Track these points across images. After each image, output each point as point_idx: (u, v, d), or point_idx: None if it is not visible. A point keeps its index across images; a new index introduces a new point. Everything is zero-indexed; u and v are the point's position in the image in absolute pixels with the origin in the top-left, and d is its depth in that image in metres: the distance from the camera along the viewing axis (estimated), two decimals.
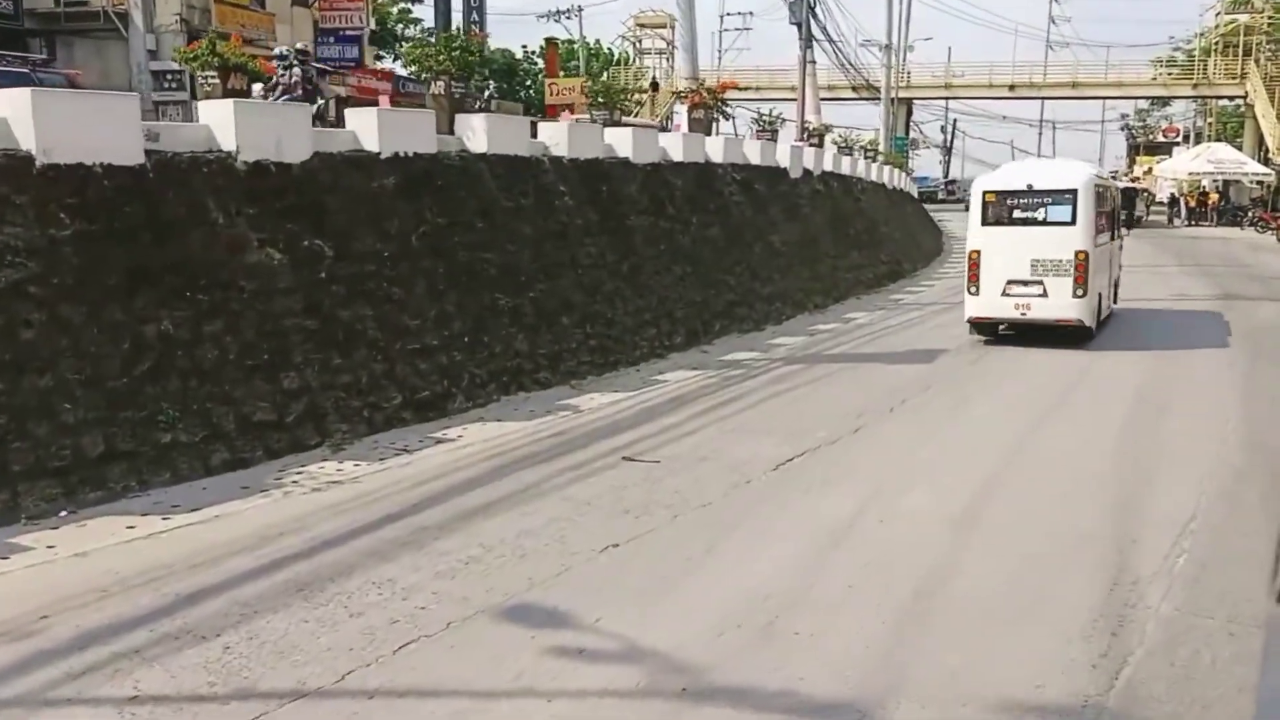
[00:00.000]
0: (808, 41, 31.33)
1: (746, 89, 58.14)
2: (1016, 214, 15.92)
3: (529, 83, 62.33)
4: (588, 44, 71.01)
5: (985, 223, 16.23)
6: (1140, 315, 19.55)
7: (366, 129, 12.57)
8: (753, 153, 22.94)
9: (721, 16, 73.65)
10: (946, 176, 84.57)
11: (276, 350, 10.31)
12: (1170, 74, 61.78)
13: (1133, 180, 57.66)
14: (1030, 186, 15.90)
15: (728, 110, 23.57)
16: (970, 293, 16.32)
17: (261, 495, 8.58)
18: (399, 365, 11.55)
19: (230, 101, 10.93)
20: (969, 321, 16.62)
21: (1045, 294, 15.53)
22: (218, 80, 11.34)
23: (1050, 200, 15.71)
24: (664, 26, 66.49)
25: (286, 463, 9.60)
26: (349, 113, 12.97)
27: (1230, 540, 7.34)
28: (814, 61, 35.09)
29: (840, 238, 26.47)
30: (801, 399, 12.75)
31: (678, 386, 13.61)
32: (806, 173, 26.04)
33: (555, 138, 16.13)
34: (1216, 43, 58.48)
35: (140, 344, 9.24)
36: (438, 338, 12.19)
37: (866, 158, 34.58)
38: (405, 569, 6.77)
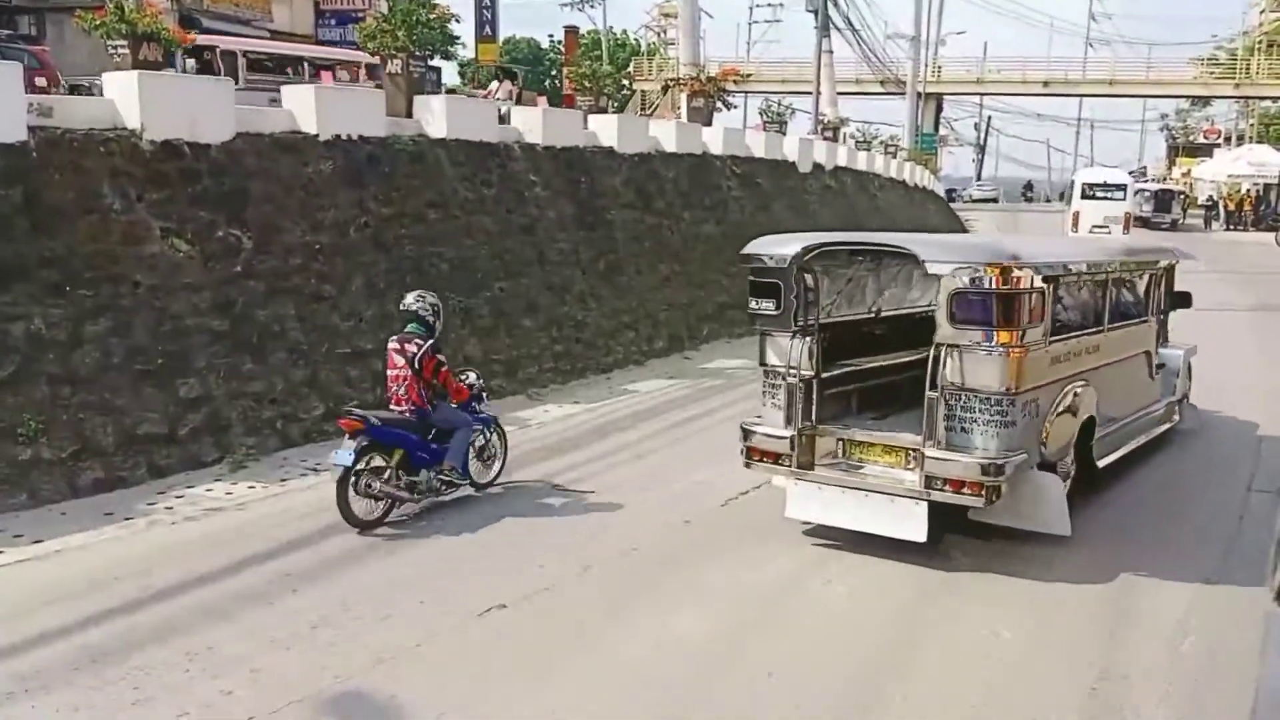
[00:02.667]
0: (823, 29, 29.88)
1: (772, 82, 56.75)
2: (1098, 193, 36.00)
3: (555, 72, 61.18)
4: (614, 33, 69.99)
5: (1083, 197, 36.13)
6: None
7: (303, 108, 11.40)
8: (756, 145, 21.61)
9: (751, 8, 72.25)
10: (979, 176, 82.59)
11: (174, 354, 9.16)
12: (1211, 73, 59.63)
13: (1163, 182, 55.64)
14: (1105, 181, 36.19)
15: (729, 99, 22.23)
16: (1073, 230, 34.54)
17: (123, 525, 7.43)
18: (325, 371, 10.38)
19: (135, 73, 9.77)
20: None
21: (1109, 231, 32.83)
22: (127, 51, 10.22)
23: (1114, 188, 36.31)
24: None
25: (173, 482, 8.47)
26: (285, 90, 11.79)
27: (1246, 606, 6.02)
28: (830, 51, 33.65)
29: None
30: None
31: (647, 398, 12.38)
32: (817, 167, 24.69)
33: (529, 123, 14.91)
34: (1260, 41, 56.36)
35: (3, 345, 8.11)
36: (373, 341, 10.97)
37: (887, 153, 33.13)
38: (237, 633, 5.59)
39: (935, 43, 58.91)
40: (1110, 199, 35.05)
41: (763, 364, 7.40)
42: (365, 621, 5.75)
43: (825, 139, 26.96)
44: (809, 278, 7.24)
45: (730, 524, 7.60)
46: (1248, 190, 49.32)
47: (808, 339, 7.18)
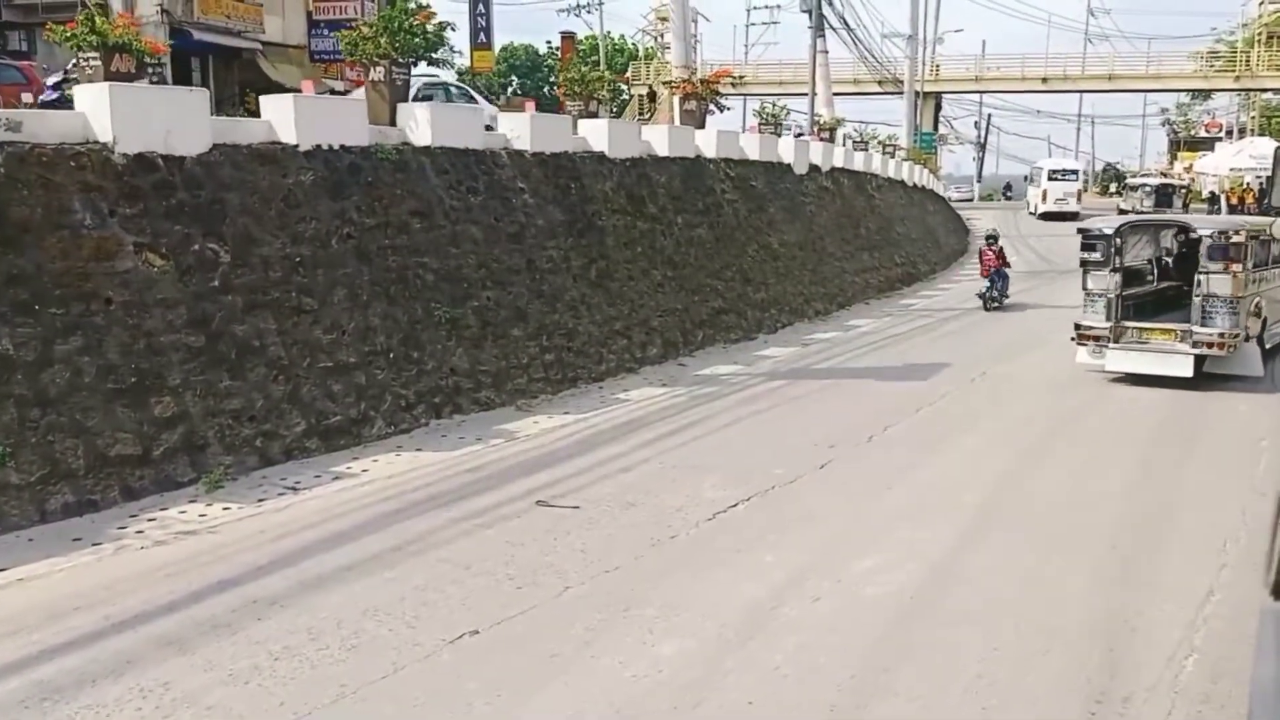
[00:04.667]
0: (818, 28, 29.61)
1: (770, 84, 56.49)
2: (1058, 176, 48.59)
3: (553, 79, 60.91)
4: (611, 39, 69.74)
5: (1048, 179, 48.38)
6: None
7: (283, 119, 11.19)
8: (751, 147, 21.37)
9: (748, 10, 72.08)
10: (980, 175, 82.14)
11: (148, 372, 8.94)
12: (1212, 66, 59.26)
13: (1165, 176, 55.21)
14: (1063, 168, 50.45)
15: (722, 102, 21.98)
16: (1041, 202, 48.02)
17: (90, 550, 7.21)
18: (306, 386, 10.15)
19: (106, 85, 9.57)
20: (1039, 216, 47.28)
21: (1068, 202, 46.43)
22: (99, 63, 10.02)
23: (1069, 172, 50.24)
24: None
25: (147, 504, 8.24)
26: (264, 100, 11.58)
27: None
28: (825, 52, 33.37)
29: (849, 238, 24.85)
30: (770, 424, 11.23)
31: (638, 407, 12.14)
32: (813, 168, 24.43)
33: (517, 129, 14.69)
34: (1260, 33, 56.03)
35: None
36: (356, 354, 10.79)
37: (885, 153, 32.84)
38: (194, 667, 5.35)
39: (933, 41, 58.69)
40: (1066, 180, 49.41)
41: (1084, 289, 13.34)
42: (330, 651, 5.51)
43: (821, 140, 26.69)
44: (1118, 240, 13.13)
45: (717, 540, 7.36)
46: (1248, 184, 48.99)
47: (1116, 275, 13.05)
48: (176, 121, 10.03)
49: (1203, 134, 68.11)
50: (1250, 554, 6.67)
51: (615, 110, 39.22)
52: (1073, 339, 13.26)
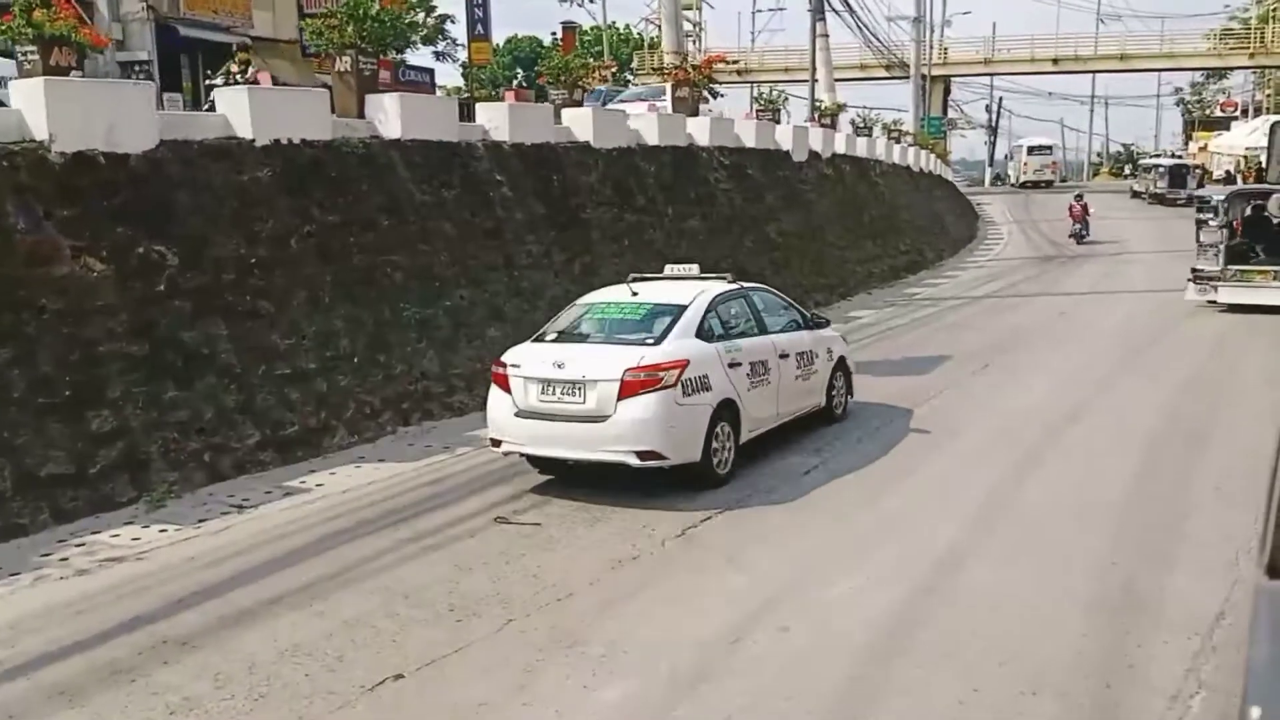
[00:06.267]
0: (817, 10, 28.87)
1: (775, 71, 55.74)
2: (1037, 152, 60.00)
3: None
4: (616, 29, 68.95)
5: (1028, 154, 59.92)
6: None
7: (238, 112, 10.63)
8: (747, 134, 20.72)
9: None
10: (991, 159, 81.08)
11: (85, 384, 8.39)
12: (1226, 44, 58.13)
13: (1177, 156, 54.20)
14: (1041, 144, 61.97)
15: (716, 89, 21.35)
16: (1023, 173, 59.13)
17: (4, 582, 6.67)
18: (260, 395, 9.60)
19: (41, 80, 9.01)
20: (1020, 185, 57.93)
21: (1046, 174, 58.74)
22: (38, 56, 9.48)
23: (1046, 148, 61.65)
24: (690, 7, 64.03)
25: (81, 527, 7.71)
26: (217, 93, 11.02)
27: None
28: (826, 35, 32.60)
29: (852, 226, 24.17)
30: None
31: None
32: (814, 155, 23.78)
33: (495, 120, 14.10)
34: (1275, 9, 54.89)
35: None
36: (317, 359, 10.23)
37: (890, 138, 32.11)
38: None
39: (941, 25, 57.79)
40: (1043, 154, 59.84)
41: (1198, 241, 17.09)
42: (234, 702, 4.94)
43: (823, 126, 26.00)
44: (1225, 204, 16.95)
45: (684, 559, 6.76)
46: (1260, 162, 47.93)
47: (1224, 230, 16.76)
48: (119, 117, 9.49)
49: (1218, 113, 66.97)
50: None
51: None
52: (1189, 280, 17.24)
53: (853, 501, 7.93)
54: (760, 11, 71.82)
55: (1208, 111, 72.92)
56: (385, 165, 11.99)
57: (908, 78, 48.99)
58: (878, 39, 46.00)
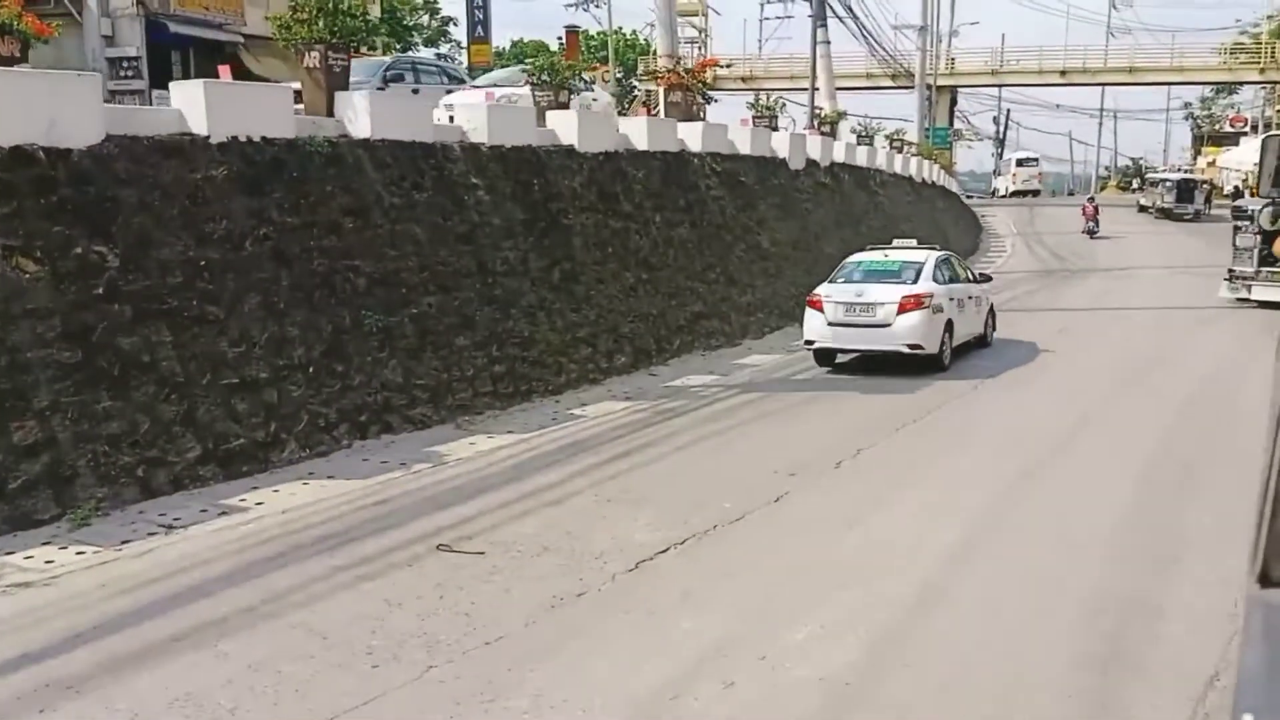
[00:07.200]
0: (819, 16, 28.35)
1: (780, 78, 55.26)
2: (1024, 165, 68.35)
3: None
4: (623, 34, 68.45)
5: (1016, 166, 68.22)
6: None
7: (193, 107, 10.11)
8: (741, 140, 20.17)
9: (762, 4, 70.71)
10: (997, 171, 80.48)
11: (9, 393, 7.85)
12: (1236, 59, 57.52)
13: (1185, 171, 53.52)
14: (1027, 157, 71.16)
15: (710, 94, 20.82)
16: (1011, 184, 66.31)
17: None
18: (204, 406, 9.06)
19: None
20: (1009, 194, 62.66)
21: (1032, 184, 66.22)
22: None
23: (1032, 160, 70.20)
24: (695, 14, 63.52)
25: None
26: (173, 86, 10.51)
27: None
28: (827, 42, 32.09)
29: (848, 236, 23.58)
30: (732, 445, 10.08)
31: (591, 424, 11.02)
32: (811, 163, 23.23)
33: (473, 121, 13.57)
34: None
35: None
36: (268, 368, 9.69)
37: (893, 148, 31.58)
38: None
39: (948, 34, 57.29)
40: (1030, 166, 67.03)
41: (1234, 244, 19.29)
42: None
43: (822, 134, 25.46)
44: (1259, 213, 18.45)
45: (631, 598, 6.21)
46: None
47: (1259, 235, 18.48)
48: (62, 110, 8.96)
49: (1227, 129, 66.36)
50: None
51: (624, 107, 38.14)
52: (1224, 279, 19.28)
53: (847, 513, 7.38)
54: (768, 19, 71.29)
55: (1217, 127, 72.34)
56: (352, 165, 11.46)
57: (913, 87, 48.46)
58: (883, 48, 45.45)
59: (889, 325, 13.13)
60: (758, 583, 6.41)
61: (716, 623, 5.79)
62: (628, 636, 5.65)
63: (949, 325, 13.60)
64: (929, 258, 14.23)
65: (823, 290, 13.85)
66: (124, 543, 7.32)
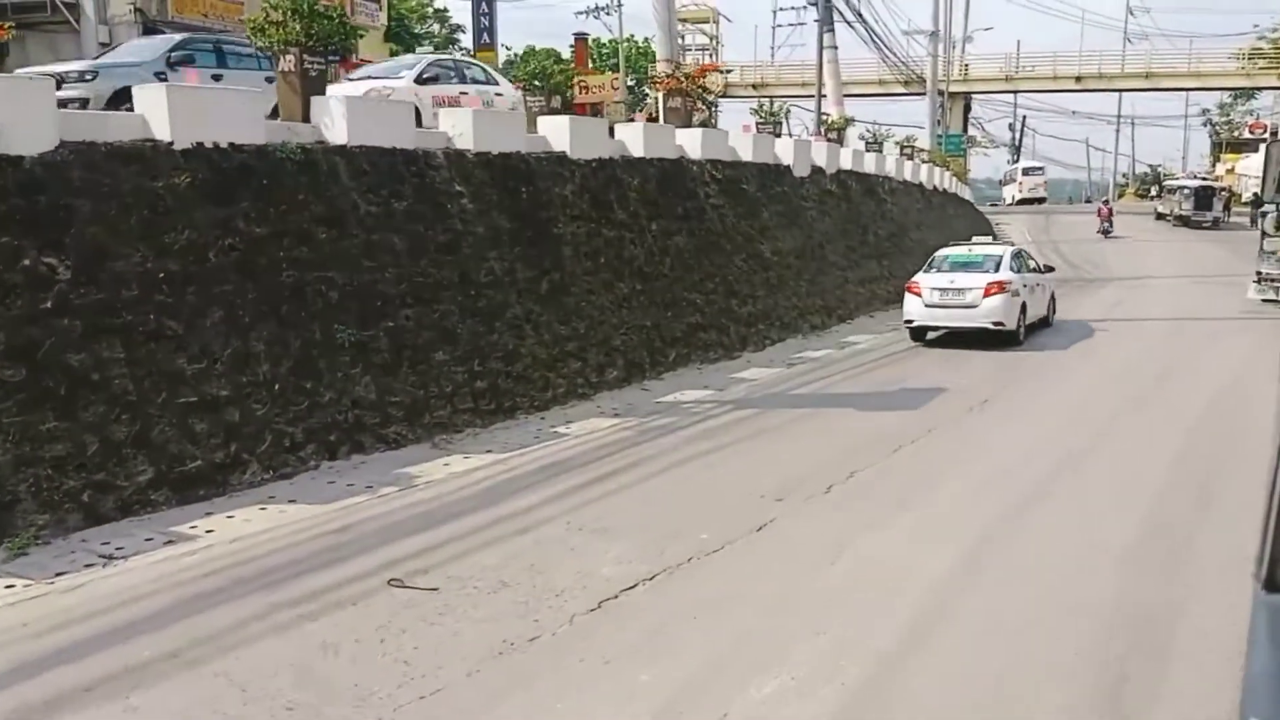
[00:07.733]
0: (825, 21, 27.83)
1: (792, 85, 54.71)
2: (1030, 173, 66.33)
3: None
4: (636, 42, 68.03)
5: (1023, 175, 66.13)
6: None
7: (155, 111, 9.69)
8: (743, 147, 19.67)
9: (774, 11, 70.28)
10: (1004, 180, 79.63)
11: None
12: (1254, 64, 56.65)
13: (1203, 178, 52.67)
14: (1032, 166, 68.83)
15: (710, 100, 20.32)
16: (1018, 192, 64.24)
17: None
18: (159, 426, 8.59)
19: None
20: (1016, 202, 62.14)
21: (1039, 192, 64.38)
22: None
23: (1038, 169, 68.60)
24: (706, 21, 63.10)
25: None
26: (136, 91, 10.08)
27: None
28: (835, 47, 31.57)
29: (855, 245, 23.08)
30: (718, 467, 9.54)
31: (575, 443, 10.51)
32: (817, 170, 22.70)
33: (459, 127, 13.12)
34: None
35: None
36: (230, 385, 9.22)
37: (903, 154, 31.00)
38: None
39: (962, 40, 56.71)
40: (1035, 175, 66.48)
41: (1261, 250, 19.20)
42: None
43: (828, 140, 24.93)
44: (1264, 220, 18.68)
45: (587, 643, 5.69)
46: None
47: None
48: (14, 115, 8.55)
49: (1246, 135, 65.39)
50: None
51: (633, 115, 37.65)
52: (1252, 281, 19.65)
53: (832, 543, 6.84)
54: (780, 26, 70.92)
55: (1236, 133, 71.38)
56: (327, 173, 11.01)
57: (925, 94, 47.86)
58: (894, 54, 44.87)
59: (977, 306, 15.96)
60: (728, 626, 5.88)
61: (678, 673, 5.27)
62: (577, 690, 5.13)
63: (1023, 307, 16.38)
64: (1005, 251, 17.39)
65: (920, 278, 16.77)
66: (58, 574, 6.85)
